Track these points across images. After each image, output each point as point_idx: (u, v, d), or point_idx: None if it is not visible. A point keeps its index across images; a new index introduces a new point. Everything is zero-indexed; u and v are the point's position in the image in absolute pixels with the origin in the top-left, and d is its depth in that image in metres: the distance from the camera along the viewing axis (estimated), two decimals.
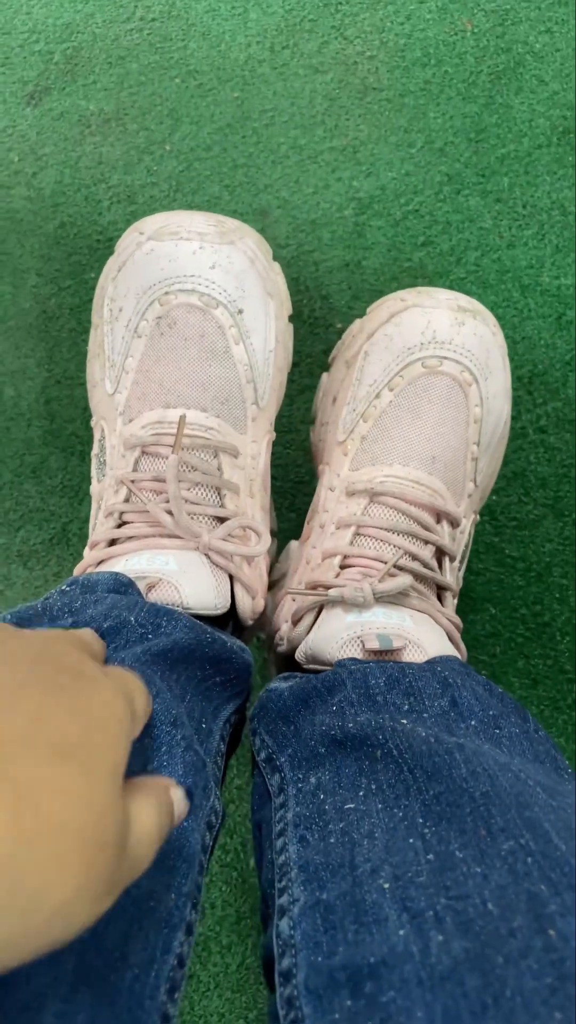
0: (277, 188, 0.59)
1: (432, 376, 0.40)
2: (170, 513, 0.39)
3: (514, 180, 0.59)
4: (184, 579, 0.38)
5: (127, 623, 0.33)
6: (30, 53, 0.62)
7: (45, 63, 0.62)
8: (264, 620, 0.47)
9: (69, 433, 0.56)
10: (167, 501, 0.39)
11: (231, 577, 0.41)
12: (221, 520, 0.41)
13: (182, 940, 0.27)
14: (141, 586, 0.37)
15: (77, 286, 0.58)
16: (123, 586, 0.36)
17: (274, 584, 0.48)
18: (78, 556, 0.56)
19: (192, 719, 0.33)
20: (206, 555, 0.39)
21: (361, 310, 0.58)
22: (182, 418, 0.40)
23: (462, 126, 0.59)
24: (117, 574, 0.37)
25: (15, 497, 0.56)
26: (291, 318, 0.57)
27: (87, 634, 0.29)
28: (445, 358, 0.40)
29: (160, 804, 0.24)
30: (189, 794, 0.29)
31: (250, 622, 0.42)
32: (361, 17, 0.61)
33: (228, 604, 0.40)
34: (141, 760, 0.29)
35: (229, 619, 0.43)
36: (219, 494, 0.42)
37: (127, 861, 0.21)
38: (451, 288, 0.58)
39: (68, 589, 0.37)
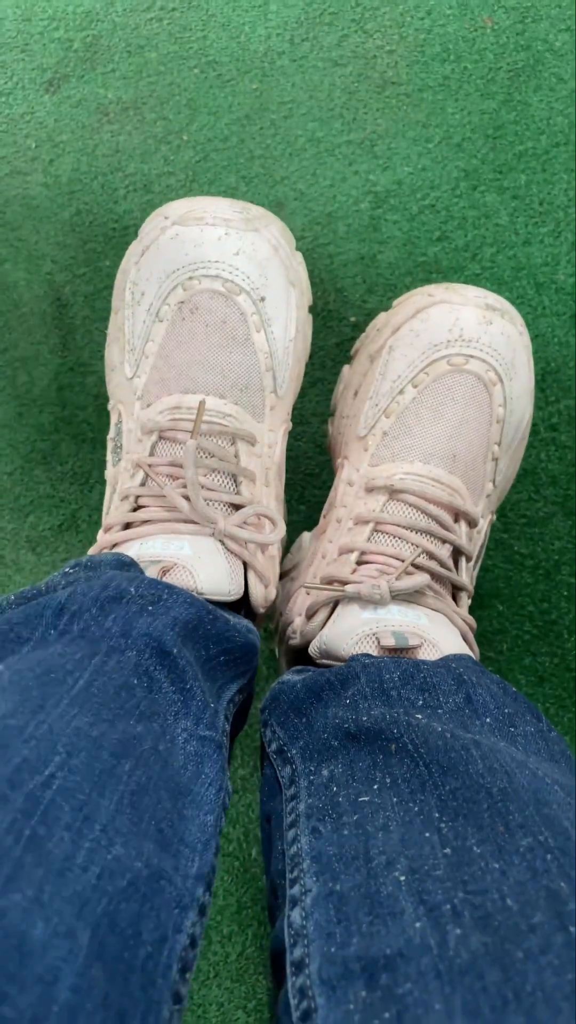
0: (294, 180, 0.59)
1: (457, 374, 0.40)
2: (187, 498, 0.39)
3: (531, 177, 0.58)
4: (199, 564, 0.38)
5: (127, 592, 0.33)
6: (50, 40, 0.62)
7: (64, 50, 0.62)
8: (274, 609, 0.47)
9: (81, 420, 0.56)
10: (183, 486, 0.39)
11: (244, 565, 0.41)
12: (236, 507, 0.41)
13: (194, 920, 0.27)
14: (155, 570, 0.37)
15: (92, 274, 0.58)
16: (126, 566, 0.36)
17: (284, 575, 0.48)
18: (87, 543, 0.56)
19: (198, 703, 0.33)
20: (221, 541, 0.39)
21: (376, 304, 0.58)
22: (202, 403, 0.40)
23: (480, 122, 0.59)
24: (120, 555, 0.37)
25: (25, 483, 0.56)
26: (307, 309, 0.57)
27: None
28: (471, 356, 0.40)
29: None
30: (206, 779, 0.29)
31: (262, 610, 0.42)
32: (381, 11, 0.61)
33: (242, 591, 0.40)
34: (156, 745, 0.29)
35: (241, 607, 0.44)
36: (235, 481, 0.42)
37: None
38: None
39: (71, 571, 0.37)
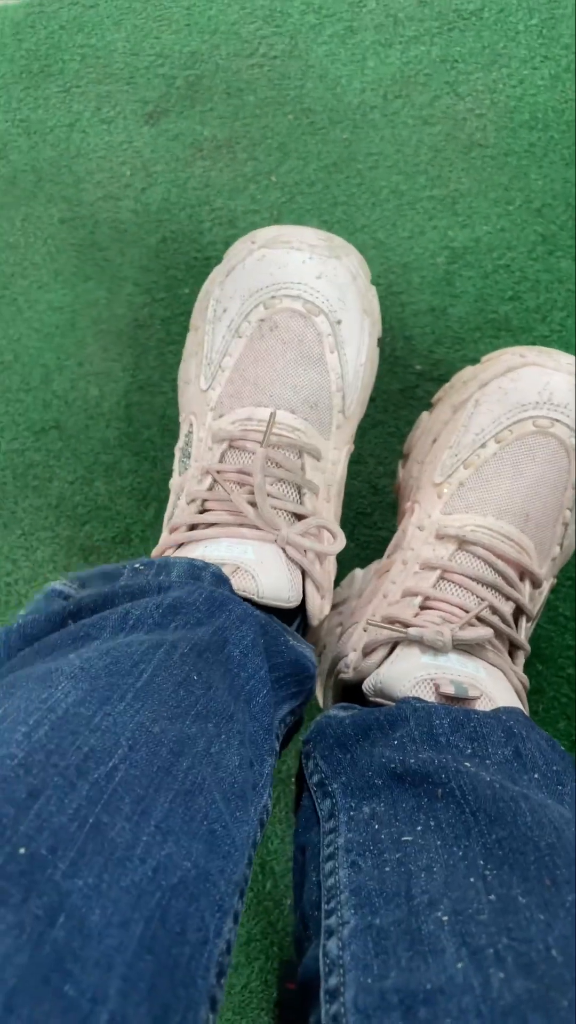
0: (374, 229, 0.61)
1: (541, 436, 0.41)
2: (253, 504, 0.40)
3: None
4: (261, 569, 0.39)
5: (186, 604, 0.34)
6: (154, 75, 0.65)
7: (167, 86, 0.64)
8: (315, 638, 0.48)
9: (145, 438, 0.58)
10: (250, 492, 0.41)
11: (303, 574, 0.42)
12: (299, 517, 0.43)
13: (230, 927, 0.27)
14: (224, 572, 0.38)
15: (170, 299, 0.60)
16: (198, 570, 0.37)
17: (333, 608, 0.48)
18: (137, 556, 0.57)
19: (253, 714, 0.33)
20: (283, 549, 0.41)
21: (443, 355, 0.59)
22: (272, 414, 0.42)
23: (562, 190, 0.61)
24: (193, 560, 0.38)
25: (85, 492, 0.57)
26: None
27: None
28: (557, 421, 0.41)
29: None
30: (241, 792, 0.29)
31: (316, 622, 0.43)
32: (475, 76, 0.63)
33: (300, 598, 0.41)
34: (209, 747, 0.29)
35: (296, 616, 0.44)
36: (299, 492, 0.43)
37: None
38: (533, 345, 0.59)
39: (142, 568, 0.37)
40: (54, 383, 0.59)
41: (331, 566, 0.44)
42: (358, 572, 0.48)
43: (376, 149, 0.62)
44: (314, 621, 0.43)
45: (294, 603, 0.40)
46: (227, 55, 0.65)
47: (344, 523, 0.57)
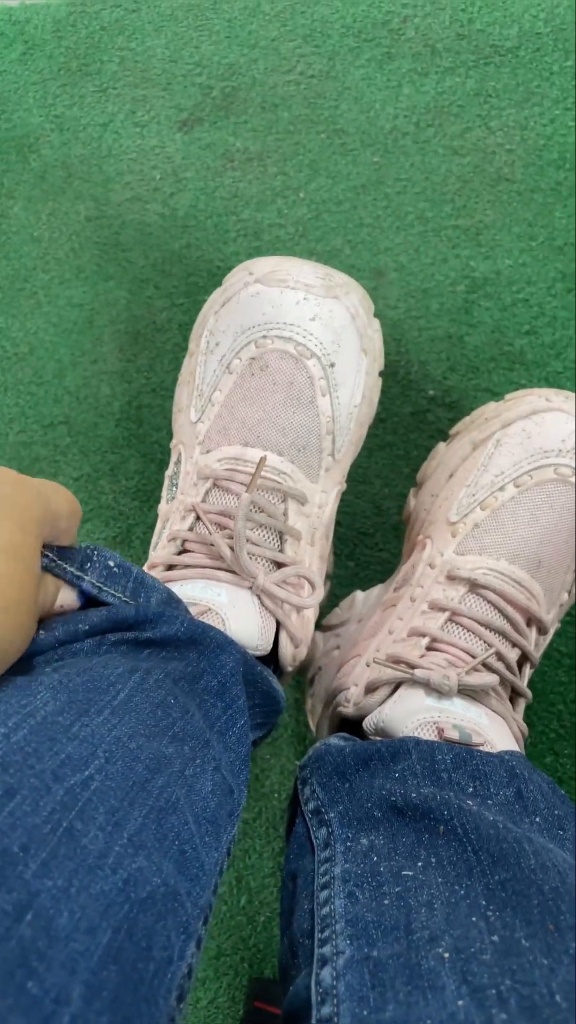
0: (396, 252, 0.61)
1: (560, 484, 0.41)
2: (232, 549, 0.39)
3: None
4: (232, 613, 0.38)
5: (169, 638, 0.34)
6: (191, 84, 0.65)
7: (203, 95, 0.65)
8: (309, 659, 0.48)
9: (153, 441, 0.58)
10: (230, 536, 0.40)
11: (278, 622, 0.41)
12: (279, 565, 0.42)
13: (193, 951, 0.27)
14: (193, 611, 0.38)
15: (190, 305, 0.60)
16: (175, 600, 0.37)
17: (329, 628, 0.48)
18: (137, 557, 0.57)
19: (228, 744, 0.33)
20: (258, 597, 0.40)
21: (456, 382, 0.59)
22: (262, 459, 0.40)
23: None
24: (171, 591, 0.37)
25: (89, 490, 0.57)
26: (384, 375, 0.59)
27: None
28: None
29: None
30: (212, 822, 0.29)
31: (289, 668, 0.42)
32: (507, 112, 0.64)
33: (270, 647, 0.40)
34: (184, 768, 0.29)
35: (269, 663, 0.44)
36: (281, 539, 0.42)
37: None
38: (545, 380, 0.60)
39: (117, 572, 0.36)
40: (67, 379, 0.59)
41: (311, 614, 0.43)
42: (359, 595, 0.48)
43: (405, 175, 0.63)
44: (287, 668, 0.42)
45: (262, 651, 0.40)
46: (265, 70, 0.65)
47: (344, 541, 0.57)
